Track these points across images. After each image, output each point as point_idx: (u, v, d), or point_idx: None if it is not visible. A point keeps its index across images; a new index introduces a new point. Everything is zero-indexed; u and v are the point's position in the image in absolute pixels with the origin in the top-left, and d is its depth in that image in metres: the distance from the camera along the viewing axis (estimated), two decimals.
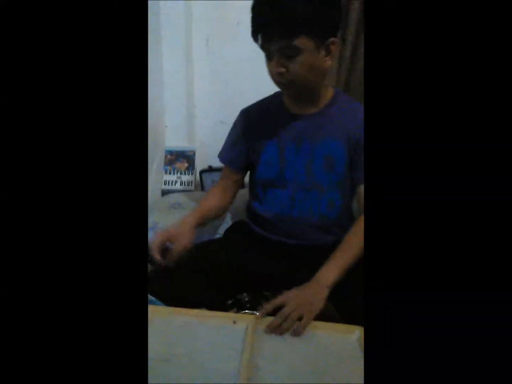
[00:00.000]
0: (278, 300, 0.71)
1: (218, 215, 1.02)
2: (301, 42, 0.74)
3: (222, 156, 1.02)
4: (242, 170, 1.01)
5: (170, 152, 1.66)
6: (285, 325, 0.67)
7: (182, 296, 0.81)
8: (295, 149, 0.90)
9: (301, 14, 0.72)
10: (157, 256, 0.81)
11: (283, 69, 0.77)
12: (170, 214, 1.33)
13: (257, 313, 0.72)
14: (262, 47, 0.79)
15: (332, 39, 0.78)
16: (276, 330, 0.68)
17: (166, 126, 1.66)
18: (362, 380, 0.44)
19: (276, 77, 0.80)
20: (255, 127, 0.95)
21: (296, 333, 0.67)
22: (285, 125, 0.91)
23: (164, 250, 0.82)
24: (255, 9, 0.76)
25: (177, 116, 1.63)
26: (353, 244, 0.79)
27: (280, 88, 0.85)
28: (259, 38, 0.77)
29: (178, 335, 0.67)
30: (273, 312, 0.71)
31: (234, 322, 0.70)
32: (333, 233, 0.92)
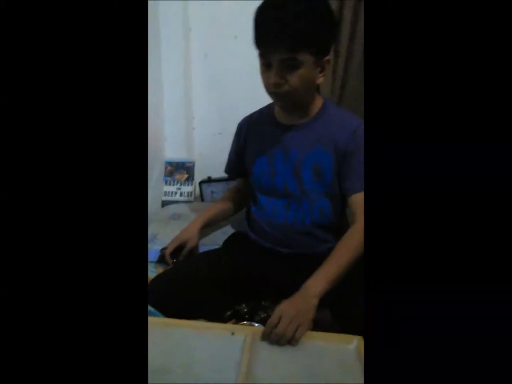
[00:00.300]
0: (274, 317, 0.70)
1: (224, 217, 1.13)
2: (304, 56, 0.77)
3: (225, 167, 1.11)
4: (240, 175, 1.09)
5: (169, 164, 1.67)
6: (285, 338, 0.67)
7: (180, 306, 0.81)
8: (283, 159, 0.92)
9: (306, 29, 0.74)
10: (168, 259, 1.00)
11: (282, 80, 0.79)
12: (170, 225, 1.33)
13: (256, 325, 0.72)
14: (262, 56, 0.80)
15: (328, 57, 0.83)
16: (273, 340, 0.68)
17: (165, 138, 1.67)
18: None
19: (272, 87, 0.81)
20: (247, 139, 1.00)
21: (292, 343, 0.68)
22: (274, 135, 0.93)
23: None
24: (260, 19, 0.77)
25: (176, 128, 1.65)
26: (342, 254, 0.79)
27: (273, 98, 0.86)
28: (261, 47, 0.79)
29: (176, 346, 0.67)
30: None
31: (233, 333, 0.70)
32: (327, 241, 0.93)
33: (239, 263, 0.94)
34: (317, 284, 0.75)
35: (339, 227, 0.94)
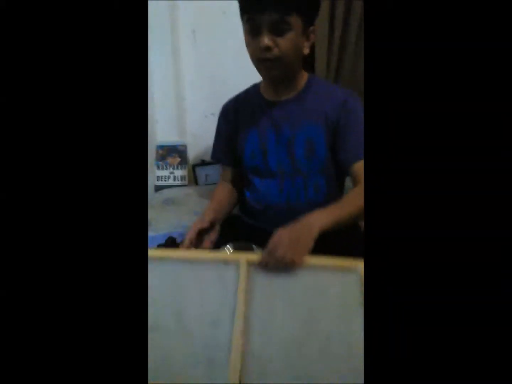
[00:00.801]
0: (273, 241, 0.66)
1: (231, 209, 1.00)
2: (293, 20, 0.76)
3: (213, 154, 1.05)
4: (233, 164, 1.01)
5: (161, 147, 1.64)
6: (284, 262, 0.63)
7: None
8: (275, 137, 0.90)
9: None
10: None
11: (273, 44, 0.77)
12: (164, 210, 1.31)
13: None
14: (250, 20, 0.77)
15: (313, 27, 0.82)
16: (271, 265, 0.64)
17: (157, 121, 1.63)
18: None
19: (262, 53, 0.78)
20: (235, 120, 0.97)
21: (292, 267, 0.64)
22: (263, 113, 0.92)
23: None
24: None
25: (167, 110, 1.61)
26: (347, 203, 0.77)
27: (261, 67, 0.83)
28: (250, 10, 0.77)
29: (166, 290, 0.63)
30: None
31: (225, 263, 0.66)
32: None
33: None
34: (321, 217, 0.71)
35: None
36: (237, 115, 0.97)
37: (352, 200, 0.77)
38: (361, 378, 0.43)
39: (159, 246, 1.17)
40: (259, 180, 0.95)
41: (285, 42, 0.77)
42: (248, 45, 0.82)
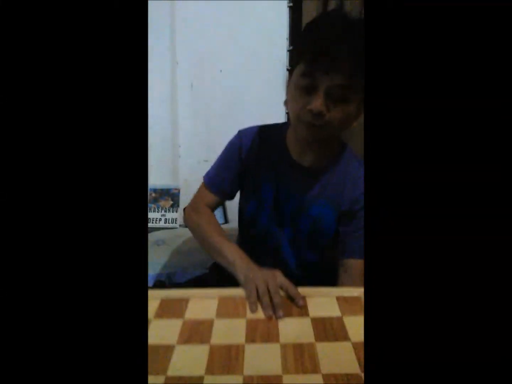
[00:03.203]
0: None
1: None
2: (357, 86, 0.65)
3: (211, 181, 0.88)
4: (224, 197, 0.89)
5: (154, 190, 1.69)
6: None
7: None
8: (285, 202, 0.82)
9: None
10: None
11: (326, 110, 0.66)
12: (155, 250, 1.34)
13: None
14: (307, 76, 0.66)
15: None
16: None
17: (151, 165, 1.70)
18: None
19: (312, 116, 0.66)
20: (251, 166, 0.83)
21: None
22: (283, 171, 0.80)
23: None
24: (323, 34, 0.66)
25: (162, 155, 1.68)
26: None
27: (304, 130, 0.71)
28: (315, 65, 0.65)
29: None
30: None
31: None
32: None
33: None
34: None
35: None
36: (254, 155, 0.83)
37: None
38: None
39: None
40: (256, 230, 0.88)
41: (338, 112, 0.67)
42: (294, 98, 0.69)
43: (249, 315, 0.60)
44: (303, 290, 0.64)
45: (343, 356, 0.51)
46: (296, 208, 0.81)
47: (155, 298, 0.65)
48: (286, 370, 0.49)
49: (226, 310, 0.62)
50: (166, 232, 1.53)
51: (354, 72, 0.63)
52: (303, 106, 0.67)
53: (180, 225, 1.66)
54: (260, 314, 0.60)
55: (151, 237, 1.49)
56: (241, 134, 0.86)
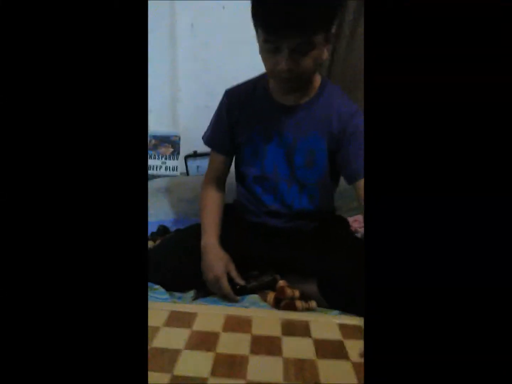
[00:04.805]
0: None
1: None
2: (318, 37, 0.70)
3: (206, 137, 0.97)
4: (228, 154, 0.96)
5: (154, 137, 1.65)
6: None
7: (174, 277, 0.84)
8: (277, 142, 0.88)
9: (321, 11, 0.67)
10: (232, 295, 0.80)
11: (296, 65, 0.72)
12: (157, 199, 1.34)
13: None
14: (269, 42, 0.71)
15: (334, 27, 0.75)
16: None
17: (150, 111, 1.64)
18: None
19: (283, 73, 0.73)
20: (239, 112, 0.91)
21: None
22: (270, 116, 0.88)
23: None
24: (270, 8, 0.67)
25: (161, 100, 1.62)
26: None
27: (278, 82, 0.79)
28: (273, 34, 0.69)
29: None
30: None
31: None
32: (312, 221, 0.95)
33: (225, 236, 0.93)
34: None
35: (325, 209, 0.96)
36: (242, 111, 0.91)
37: None
38: None
39: (152, 234, 1.19)
40: (252, 178, 0.93)
41: (308, 61, 0.72)
42: (266, 59, 0.75)
43: (254, 331, 0.65)
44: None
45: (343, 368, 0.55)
46: (288, 145, 0.87)
47: (164, 310, 0.70)
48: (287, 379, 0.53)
49: (231, 326, 0.66)
50: (167, 179, 1.51)
51: (312, 28, 0.68)
52: (273, 66, 0.74)
53: (181, 173, 1.64)
54: (265, 331, 0.65)
55: (152, 184, 1.47)
56: (228, 93, 0.93)
